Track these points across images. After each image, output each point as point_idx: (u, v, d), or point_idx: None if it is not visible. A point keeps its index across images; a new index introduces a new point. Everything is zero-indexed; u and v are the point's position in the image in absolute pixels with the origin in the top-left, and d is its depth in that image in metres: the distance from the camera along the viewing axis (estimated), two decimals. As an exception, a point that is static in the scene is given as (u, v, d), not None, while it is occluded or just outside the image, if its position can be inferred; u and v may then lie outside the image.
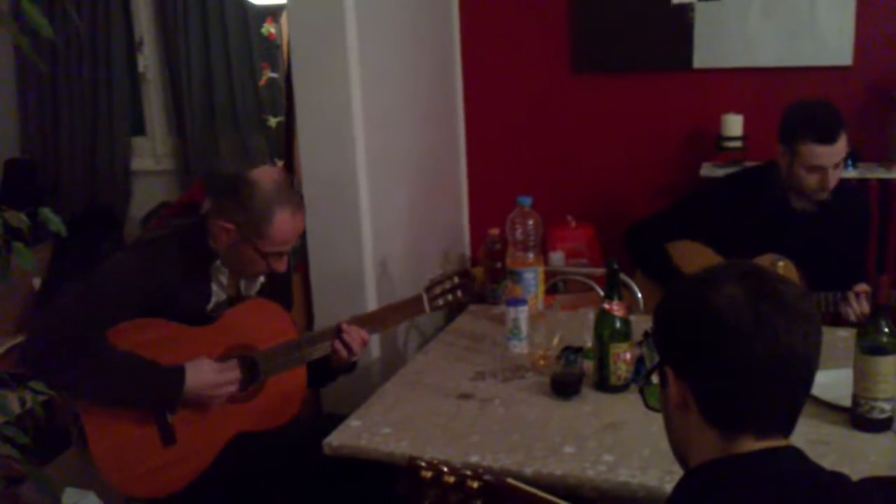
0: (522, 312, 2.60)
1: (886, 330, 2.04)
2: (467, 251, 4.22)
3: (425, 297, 2.48)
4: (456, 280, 2.54)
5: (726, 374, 1.26)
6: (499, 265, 3.72)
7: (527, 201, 2.80)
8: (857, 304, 2.69)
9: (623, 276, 3.17)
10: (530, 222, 2.77)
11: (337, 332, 2.39)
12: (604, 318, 2.34)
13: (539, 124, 4.08)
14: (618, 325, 2.32)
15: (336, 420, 2.28)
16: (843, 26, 3.57)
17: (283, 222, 2.21)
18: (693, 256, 3.01)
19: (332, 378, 2.53)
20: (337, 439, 2.18)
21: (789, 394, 1.28)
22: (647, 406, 1.53)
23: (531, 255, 2.79)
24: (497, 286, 3.71)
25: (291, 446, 2.35)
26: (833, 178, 2.82)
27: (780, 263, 2.17)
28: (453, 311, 3.11)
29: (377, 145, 3.19)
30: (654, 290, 3.03)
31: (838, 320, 2.77)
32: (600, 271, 3.31)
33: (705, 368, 1.29)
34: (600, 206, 4.04)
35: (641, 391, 1.60)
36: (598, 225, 3.94)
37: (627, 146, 3.97)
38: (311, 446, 2.17)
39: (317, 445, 2.16)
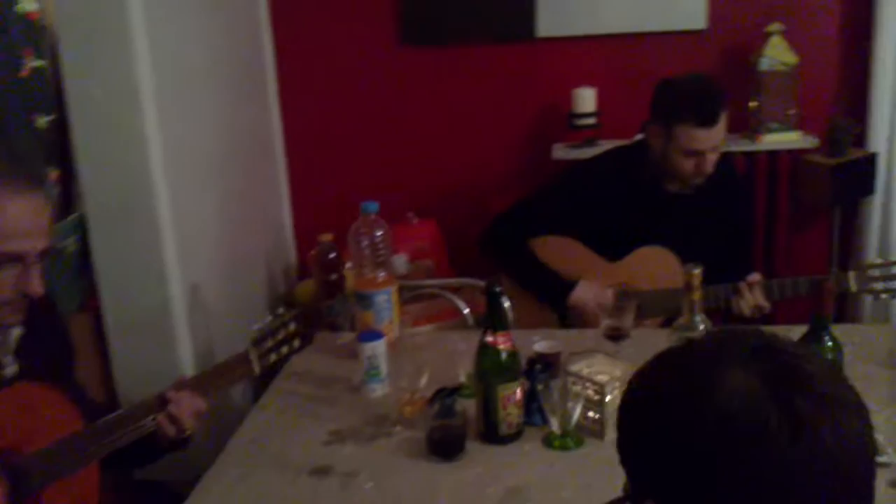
0: (380, 348, 2.09)
1: (830, 344, 1.69)
2: (293, 260, 3.65)
3: (254, 355, 1.92)
4: (291, 328, 1.99)
5: None
6: (334, 277, 3.18)
7: (372, 207, 2.28)
8: (751, 296, 2.39)
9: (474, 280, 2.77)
10: (379, 233, 2.26)
11: (161, 403, 1.79)
12: (486, 353, 1.86)
13: (365, 106, 3.57)
14: (504, 360, 1.86)
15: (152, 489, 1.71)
16: (695, -13, 3.27)
17: None
18: (562, 254, 2.61)
19: (155, 459, 1.92)
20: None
21: None
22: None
23: (382, 273, 2.27)
24: (334, 303, 3.18)
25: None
26: (711, 162, 2.49)
27: (695, 271, 1.77)
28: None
29: (176, 143, 2.58)
30: (522, 296, 2.60)
31: (729, 316, 2.49)
32: (455, 281, 2.86)
33: (718, 501, 0.84)
34: (442, 198, 3.58)
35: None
36: (440, 219, 3.49)
37: (469, 129, 3.53)
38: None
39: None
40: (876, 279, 2.35)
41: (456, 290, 2.80)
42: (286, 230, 3.62)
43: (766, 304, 2.40)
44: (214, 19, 3.00)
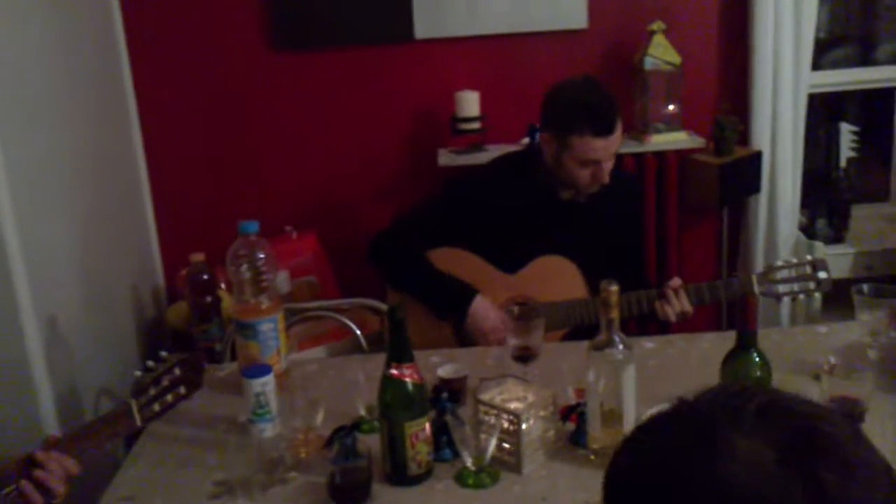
0: (268, 384, 1.88)
1: (758, 360, 1.60)
2: (161, 282, 3.36)
3: (135, 407, 1.68)
4: (177, 372, 1.76)
5: None
6: (209, 299, 2.94)
7: (251, 227, 2.06)
8: (678, 301, 2.32)
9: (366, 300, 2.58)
10: (261, 255, 2.04)
11: (24, 468, 1.53)
12: (390, 386, 1.68)
13: (234, 115, 3.32)
14: (411, 393, 1.69)
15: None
16: (576, -13, 3.19)
17: None
18: (456, 266, 2.46)
19: None
20: None
21: None
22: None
23: (265, 300, 2.06)
24: (209, 327, 2.94)
25: None
26: (608, 171, 2.39)
27: (613, 288, 1.65)
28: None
29: (21, 154, 2.29)
30: (412, 310, 2.44)
31: (645, 321, 2.43)
32: (345, 302, 2.67)
33: None
34: (323, 209, 3.38)
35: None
36: (321, 232, 3.28)
37: (348, 135, 3.34)
38: None
39: None
40: (779, 281, 2.31)
41: (345, 309, 2.61)
42: (152, 250, 3.33)
43: (690, 309, 2.33)
44: (61, 31, 2.70)
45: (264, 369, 1.90)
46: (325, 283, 3.19)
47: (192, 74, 3.27)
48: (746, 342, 1.59)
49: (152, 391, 1.71)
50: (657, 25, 3.11)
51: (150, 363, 1.76)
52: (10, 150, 2.23)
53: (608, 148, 2.35)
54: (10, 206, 2.23)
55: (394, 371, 1.68)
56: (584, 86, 2.44)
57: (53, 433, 1.73)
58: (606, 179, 2.39)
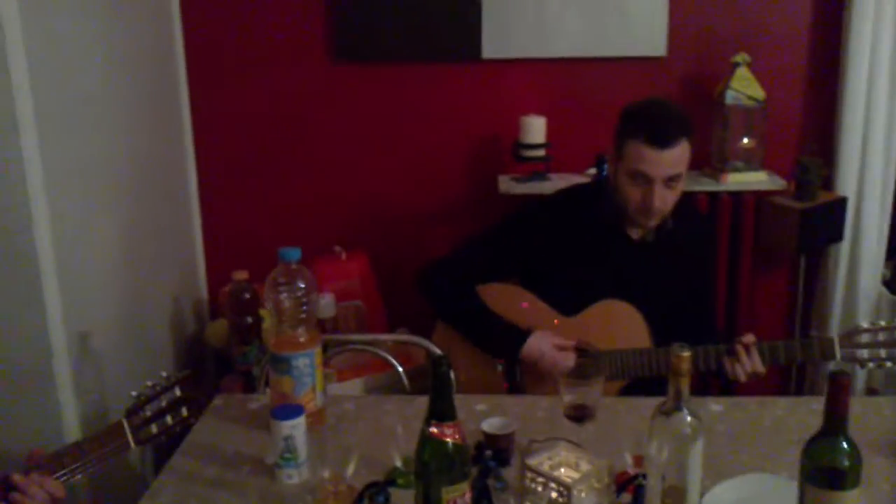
0: (298, 428, 1.73)
1: (846, 446, 1.39)
2: (205, 298, 3.25)
3: (127, 427, 1.55)
4: (177, 393, 1.63)
5: None
6: (249, 321, 2.82)
7: (294, 254, 1.91)
8: (749, 360, 2.12)
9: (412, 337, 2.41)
10: (301, 284, 1.90)
11: (2, 489, 1.42)
12: (429, 446, 1.52)
13: (290, 126, 3.20)
14: (451, 454, 1.52)
15: None
16: (655, 13, 3.01)
17: None
18: (509, 304, 2.30)
19: None
20: None
21: None
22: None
23: (303, 332, 1.91)
24: (248, 349, 2.81)
25: None
26: (660, 198, 2.17)
27: (685, 354, 1.46)
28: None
29: (61, 161, 2.20)
30: (459, 348, 2.28)
31: (708, 380, 2.29)
32: (390, 338, 2.52)
33: None
34: (374, 229, 3.24)
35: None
36: (372, 254, 3.14)
37: (405, 155, 3.20)
38: None
39: None
40: (864, 346, 2.09)
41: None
42: (197, 264, 3.23)
43: (762, 369, 2.14)
44: (117, 29, 2.61)
45: (295, 410, 1.75)
46: (373, 309, 3.03)
47: (247, 83, 3.16)
48: (835, 427, 1.38)
49: (148, 411, 1.58)
50: (741, 57, 2.91)
51: (149, 382, 1.64)
52: (49, 154, 2.13)
53: (661, 162, 2.13)
54: (47, 213, 2.13)
55: (433, 429, 1.51)
56: (655, 100, 2.30)
57: (38, 447, 1.61)
58: (659, 206, 2.17)
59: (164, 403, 1.64)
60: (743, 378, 2.12)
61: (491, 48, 3.05)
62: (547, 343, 2.20)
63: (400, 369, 2.35)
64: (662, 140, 2.12)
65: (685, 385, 1.48)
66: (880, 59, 2.92)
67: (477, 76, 3.10)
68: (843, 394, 1.37)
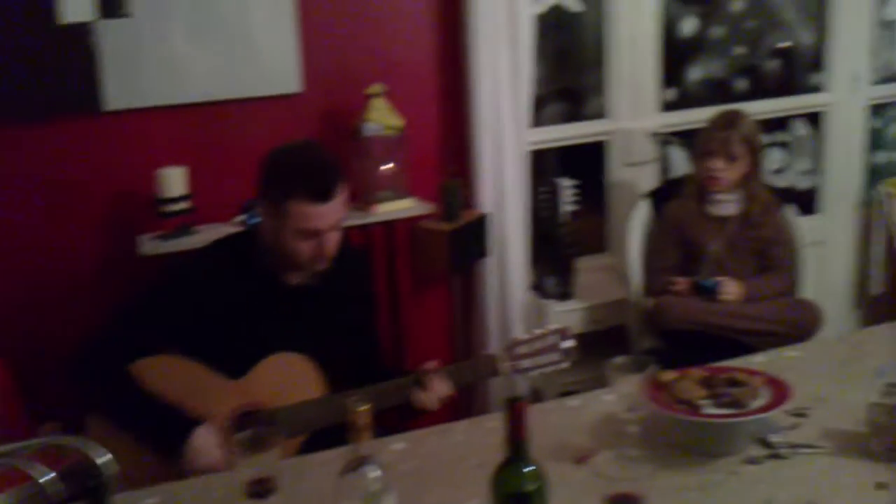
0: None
1: (529, 470, 1.41)
2: None
3: None
4: None
5: None
6: None
7: None
8: (437, 386, 2.12)
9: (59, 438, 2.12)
10: None
11: None
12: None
13: None
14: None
15: None
16: (287, 49, 2.96)
17: None
18: (171, 379, 2.09)
19: None
20: None
21: None
22: None
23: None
24: None
25: None
26: (333, 243, 2.15)
27: (362, 409, 1.39)
28: None
29: None
30: (127, 448, 2.03)
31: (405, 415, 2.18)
32: (13, 447, 2.18)
33: None
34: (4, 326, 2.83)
35: None
36: (13, 357, 2.70)
37: (27, 228, 2.83)
38: None
39: None
40: (525, 356, 2.18)
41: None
42: None
43: (452, 392, 2.15)
44: None
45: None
46: (13, 416, 2.62)
47: None
48: (518, 453, 1.39)
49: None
50: (376, 88, 2.95)
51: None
52: None
53: (329, 216, 2.10)
54: None
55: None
56: (301, 149, 2.21)
57: None
58: (332, 252, 2.15)
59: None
60: (436, 405, 2.12)
61: (115, 98, 2.81)
62: (210, 442, 2.02)
63: (47, 477, 2.04)
64: (324, 194, 2.07)
65: (367, 439, 1.41)
66: (501, 78, 3.10)
67: (101, 130, 2.83)
68: (521, 419, 1.38)
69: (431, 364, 2.16)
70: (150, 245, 2.75)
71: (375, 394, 2.06)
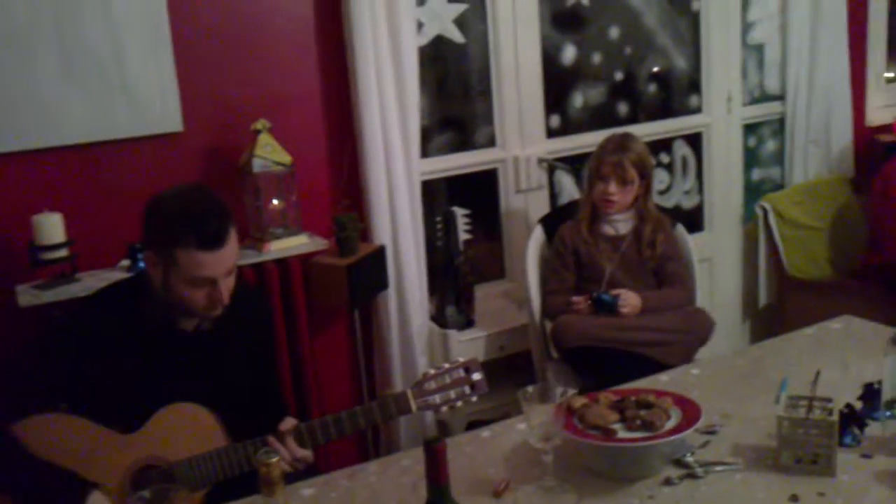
0: None
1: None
2: None
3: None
4: None
5: None
6: None
7: None
8: (286, 450, 2.02)
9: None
10: None
11: None
12: None
13: None
14: None
15: None
16: (165, 87, 2.85)
17: None
18: (57, 439, 1.96)
19: None
20: None
21: None
22: None
23: None
24: None
25: None
26: (227, 288, 2.07)
27: (272, 461, 1.32)
28: None
29: None
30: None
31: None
32: None
33: None
34: None
35: None
36: None
37: None
38: None
39: None
40: (433, 391, 2.13)
41: None
42: None
43: (306, 454, 2.05)
44: None
45: None
46: None
47: None
48: (439, 495, 1.34)
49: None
50: (261, 124, 2.87)
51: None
52: None
53: (221, 262, 2.01)
54: None
55: None
56: (186, 194, 2.09)
57: None
58: (226, 300, 2.06)
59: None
60: (288, 469, 2.00)
61: (-15, 140, 2.66)
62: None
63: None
64: (215, 241, 1.98)
65: (280, 493, 1.34)
66: (388, 109, 3.06)
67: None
68: (442, 462, 1.34)
69: (287, 423, 2.07)
70: (29, 295, 2.58)
71: (223, 462, 1.99)
